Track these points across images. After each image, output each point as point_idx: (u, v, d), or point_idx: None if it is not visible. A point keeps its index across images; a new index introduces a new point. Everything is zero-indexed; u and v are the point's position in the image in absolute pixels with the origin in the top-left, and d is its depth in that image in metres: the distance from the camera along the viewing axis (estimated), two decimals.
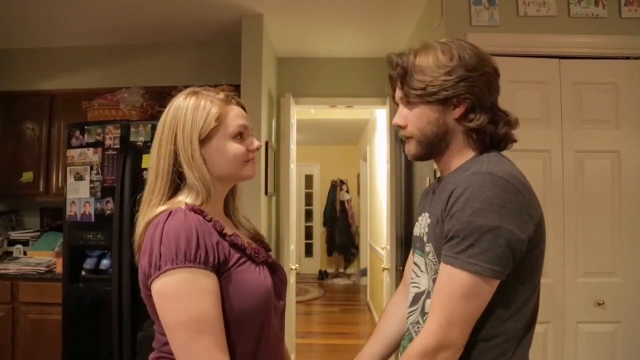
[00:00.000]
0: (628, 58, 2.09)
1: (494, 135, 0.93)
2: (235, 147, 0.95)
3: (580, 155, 2.06)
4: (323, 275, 7.49)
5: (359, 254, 7.39)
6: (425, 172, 2.56)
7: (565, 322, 2.02)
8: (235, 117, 0.96)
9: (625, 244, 2.03)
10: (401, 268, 3.15)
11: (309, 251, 8.01)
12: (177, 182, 0.92)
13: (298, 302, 4.58)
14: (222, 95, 0.97)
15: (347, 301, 5.95)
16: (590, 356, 2.01)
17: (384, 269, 3.39)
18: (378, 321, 1.21)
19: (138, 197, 0.96)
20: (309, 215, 8.07)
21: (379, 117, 4.51)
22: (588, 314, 2.02)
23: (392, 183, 3.32)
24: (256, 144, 0.99)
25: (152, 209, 0.91)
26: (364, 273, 6.40)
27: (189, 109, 0.92)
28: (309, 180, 8.16)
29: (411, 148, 0.99)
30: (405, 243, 3.21)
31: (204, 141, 0.92)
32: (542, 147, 2.04)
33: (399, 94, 0.98)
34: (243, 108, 1.01)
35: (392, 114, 3.31)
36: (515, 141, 0.97)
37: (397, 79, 0.97)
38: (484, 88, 0.91)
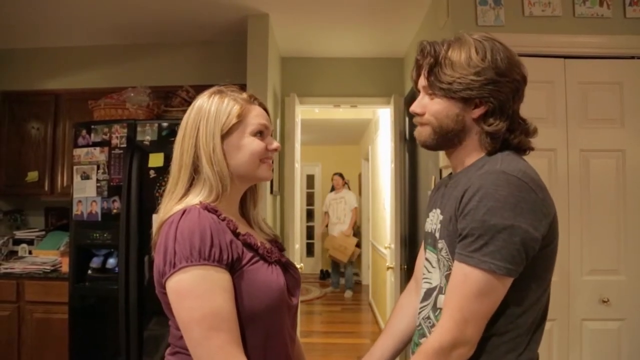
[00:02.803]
0: (632, 57, 2.11)
1: (507, 141, 0.94)
2: (255, 143, 0.96)
3: (585, 153, 2.07)
4: (324, 275, 7.50)
5: (360, 253, 7.39)
6: (429, 170, 2.57)
7: (570, 319, 2.03)
8: (257, 115, 0.99)
9: (630, 241, 2.05)
10: (405, 266, 3.16)
11: (310, 251, 8.01)
12: (193, 176, 0.94)
13: (300, 301, 4.59)
14: (245, 95, 1.00)
15: (349, 300, 5.96)
16: (595, 353, 2.02)
17: (388, 268, 3.40)
18: (389, 317, 1.22)
19: (161, 190, 0.97)
20: (310, 214, 8.07)
21: (382, 117, 4.52)
22: (593, 311, 2.03)
23: (397, 182, 3.33)
24: (275, 144, 1.01)
25: (173, 200, 0.93)
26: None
27: (213, 106, 0.95)
28: (310, 179, 8.17)
29: (424, 133, 0.99)
30: (409, 242, 3.22)
31: (224, 136, 0.94)
32: (548, 146, 2.05)
33: (422, 81, 0.98)
34: (265, 110, 1.03)
35: (396, 113, 3.35)
36: (532, 149, 0.97)
37: (424, 67, 0.96)
38: (509, 94, 0.92)
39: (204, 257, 0.82)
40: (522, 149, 0.96)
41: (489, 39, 0.94)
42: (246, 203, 1.07)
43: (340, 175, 6.72)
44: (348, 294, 6.27)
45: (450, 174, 1.07)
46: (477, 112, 0.93)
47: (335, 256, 6.21)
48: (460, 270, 0.86)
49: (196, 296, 0.81)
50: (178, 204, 0.91)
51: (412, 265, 2.82)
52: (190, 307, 0.81)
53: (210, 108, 0.95)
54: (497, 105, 0.91)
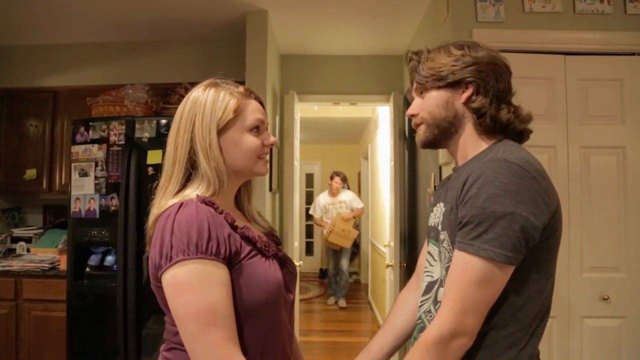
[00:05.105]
0: (633, 54, 2.10)
1: (495, 119, 0.95)
2: (251, 140, 0.95)
3: (586, 150, 2.07)
4: (323, 273, 7.49)
5: (359, 252, 7.39)
6: (429, 168, 2.57)
7: (570, 316, 2.02)
8: (253, 110, 0.97)
9: (630, 238, 2.04)
10: (404, 264, 3.16)
11: (309, 249, 8.01)
12: (189, 171, 0.93)
13: (299, 300, 4.58)
14: (241, 89, 0.98)
15: (348, 299, 5.95)
16: (595, 351, 2.02)
17: (388, 266, 3.39)
18: (388, 312, 1.21)
19: (154, 185, 0.95)
20: (309, 213, 8.06)
21: (382, 115, 4.51)
22: (593, 309, 2.03)
23: (396, 180, 3.32)
24: (271, 138, 1.00)
25: (167, 196, 0.91)
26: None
27: (208, 99, 0.93)
28: (309, 178, 8.16)
29: (421, 133, 1.03)
30: (408, 240, 3.22)
31: (220, 131, 0.93)
32: (548, 143, 2.04)
33: (414, 85, 1.03)
34: (261, 104, 1.02)
35: (396, 110, 3.34)
36: (531, 131, 0.99)
37: (412, 72, 1.02)
38: (491, 74, 0.95)
39: (201, 250, 0.80)
40: (517, 131, 0.97)
41: (469, 41, 1.01)
42: (240, 197, 1.06)
43: (339, 174, 5.56)
44: (342, 303, 5.58)
45: (455, 168, 1.07)
46: (465, 95, 0.96)
47: (338, 242, 5.37)
48: (460, 258, 0.85)
49: (192, 290, 0.80)
50: (174, 199, 0.90)
51: (411, 263, 2.82)
52: (186, 301, 0.80)
53: (206, 102, 0.93)
54: (480, 84, 0.95)
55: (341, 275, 5.64)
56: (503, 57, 0.99)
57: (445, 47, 0.99)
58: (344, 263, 5.65)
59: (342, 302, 5.60)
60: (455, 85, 0.96)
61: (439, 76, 0.96)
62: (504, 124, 0.95)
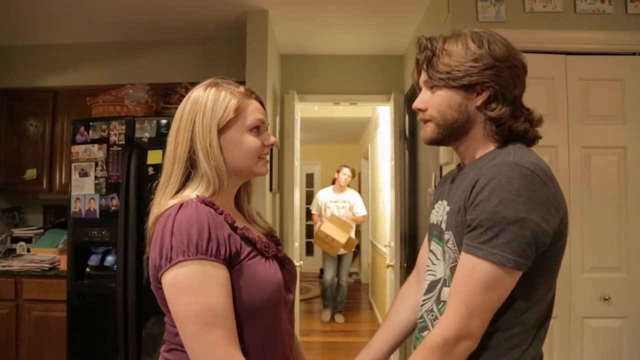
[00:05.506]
0: (634, 54, 2.09)
1: (512, 128, 0.92)
2: (251, 140, 0.95)
3: (586, 150, 2.06)
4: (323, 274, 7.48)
5: (360, 252, 7.39)
6: (430, 168, 2.56)
7: (571, 317, 2.02)
8: (254, 110, 0.97)
9: (631, 239, 2.04)
10: (405, 264, 3.15)
11: (309, 250, 8.00)
12: (189, 170, 0.92)
13: (299, 300, 4.57)
14: (242, 89, 0.98)
15: (349, 299, 5.95)
16: (596, 351, 2.01)
17: (388, 266, 3.39)
18: (389, 309, 1.21)
19: (154, 185, 0.95)
20: (309, 213, 8.04)
21: (382, 115, 4.51)
22: (594, 309, 2.02)
23: (396, 179, 3.32)
24: (272, 139, 1.00)
25: (166, 196, 0.91)
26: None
27: (209, 98, 0.93)
28: (309, 178, 8.15)
29: (428, 131, 0.99)
30: (409, 239, 3.21)
31: (221, 131, 0.92)
32: (548, 143, 2.02)
33: (423, 76, 0.98)
34: (262, 104, 1.01)
35: (396, 110, 3.33)
36: (540, 137, 0.97)
37: (423, 62, 0.96)
38: (509, 79, 0.91)
39: (201, 251, 0.80)
40: (529, 139, 0.95)
41: (485, 31, 0.95)
42: (240, 198, 1.06)
43: (347, 166, 4.92)
44: (340, 318, 4.93)
45: (459, 165, 1.05)
46: (480, 99, 0.92)
47: (320, 247, 4.69)
48: (468, 261, 0.84)
49: (192, 291, 0.80)
50: (173, 199, 0.90)
51: (412, 263, 2.81)
52: (186, 302, 0.80)
53: (207, 101, 0.93)
54: (498, 90, 0.91)
55: (339, 288, 4.95)
56: (521, 55, 0.94)
57: (463, 38, 0.92)
58: (344, 274, 4.92)
59: (340, 318, 4.92)
60: (470, 87, 0.92)
61: (454, 76, 0.91)
62: (520, 134, 0.93)
